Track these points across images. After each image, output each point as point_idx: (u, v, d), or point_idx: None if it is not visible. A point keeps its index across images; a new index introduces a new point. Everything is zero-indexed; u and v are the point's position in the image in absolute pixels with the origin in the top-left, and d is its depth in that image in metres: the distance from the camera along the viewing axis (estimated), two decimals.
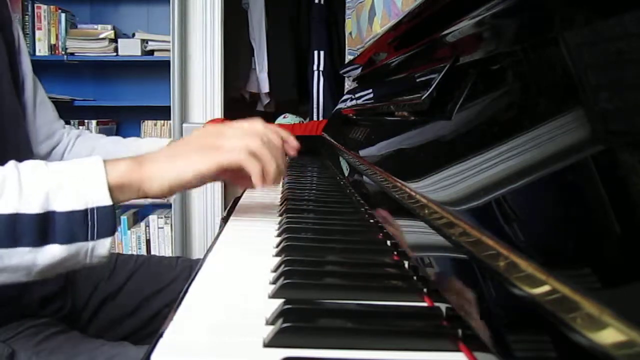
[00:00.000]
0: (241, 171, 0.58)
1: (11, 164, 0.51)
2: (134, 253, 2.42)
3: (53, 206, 0.49)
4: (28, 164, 0.52)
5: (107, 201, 0.51)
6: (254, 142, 0.57)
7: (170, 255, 2.33)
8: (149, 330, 0.84)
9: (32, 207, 0.48)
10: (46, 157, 0.91)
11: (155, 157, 0.56)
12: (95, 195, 0.51)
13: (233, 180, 0.66)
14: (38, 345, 0.65)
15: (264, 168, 0.57)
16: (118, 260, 0.89)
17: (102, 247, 0.51)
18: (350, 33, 1.93)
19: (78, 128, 2.45)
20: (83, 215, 0.50)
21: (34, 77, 0.87)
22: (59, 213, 0.49)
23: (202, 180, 0.56)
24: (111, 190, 0.52)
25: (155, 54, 2.43)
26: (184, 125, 2.13)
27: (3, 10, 0.80)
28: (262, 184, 0.58)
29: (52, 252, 0.49)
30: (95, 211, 0.50)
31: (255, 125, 0.60)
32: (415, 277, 0.44)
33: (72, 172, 0.51)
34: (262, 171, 0.57)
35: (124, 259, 0.90)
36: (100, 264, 0.53)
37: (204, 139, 0.57)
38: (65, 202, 0.49)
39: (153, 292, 0.87)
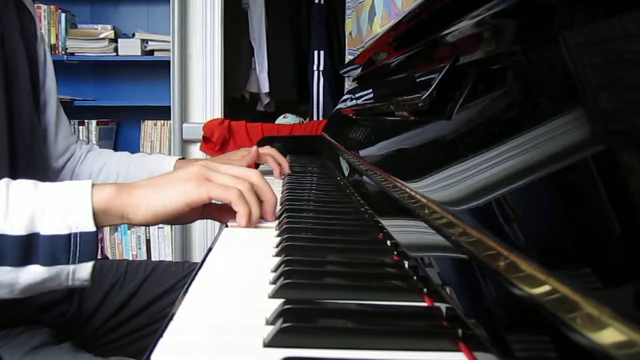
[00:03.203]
0: (224, 209, 0.60)
1: (2, 182, 0.52)
2: (134, 253, 2.43)
3: (37, 228, 0.50)
4: (18, 183, 0.53)
5: (90, 227, 0.52)
6: (244, 185, 0.59)
7: (171, 255, 2.33)
8: (154, 328, 0.85)
9: (17, 228, 0.49)
10: (61, 170, 0.95)
11: (143, 185, 0.56)
12: (79, 221, 0.51)
13: (215, 217, 0.65)
14: (25, 356, 0.66)
15: (250, 211, 0.59)
16: (128, 269, 0.90)
17: (83, 270, 0.52)
18: (350, 33, 1.93)
19: (78, 128, 2.46)
20: (66, 240, 0.51)
21: (57, 95, 0.91)
22: (42, 236, 0.50)
23: (188, 208, 0.56)
24: (95, 215, 0.52)
25: (155, 54, 2.43)
26: (184, 125, 2.13)
27: (29, 25, 0.82)
28: (247, 225, 0.59)
29: (33, 273, 0.50)
30: (78, 236, 0.51)
31: (247, 170, 0.62)
32: (415, 277, 0.44)
33: (60, 195, 0.52)
34: (249, 214, 0.59)
35: (133, 267, 0.91)
36: (84, 286, 0.54)
37: (197, 171, 0.58)
38: (49, 226, 0.50)
39: (160, 295, 0.87)
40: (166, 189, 0.56)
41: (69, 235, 0.51)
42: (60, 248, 0.50)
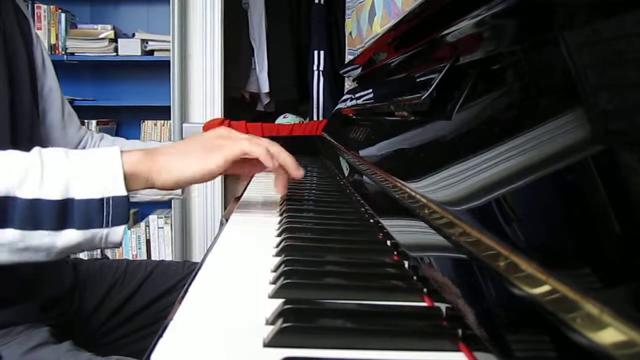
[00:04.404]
0: (246, 161, 0.63)
1: (35, 150, 0.54)
2: (135, 253, 2.43)
3: (72, 194, 0.52)
4: (51, 151, 0.55)
5: (122, 192, 0.54)
6: (255, 137, 0.64)
7: (171, 255, 2.34)
8: (155, 328, 0.85)
9: (53, 193, 0.51)
10: None
11: (166, 151, 0.60)
12: (111, 186, 0.54)
13: (240, 170, 0.70)
14: (25, 355, 0.66)
15: (268, 150, 0.62)
16: (128, 268, 0.90)
17: (115, 234, 0.54)
18: (350, 33, 1.93)
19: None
20: (99, 204, 0.53)
21: (61, 93, 0.93)
22: (77, 200, 0.52)
23: (210, 177, 0.60)
24: (125, 179, 0.55)
25: (155, 54, 2.43)
26: (184, 125, 2.13)
27: (25, 27, 0.83)
28: (273, 164, 0.63)
29: (69, 236, 0.52)
30: (110, 200, 0.54)
31: (261, 139, 0.66)
32: (415, 277, 0.44)
33: (92, 161, 0.55)
34: (268, 152, 0.62)
35: (134, 267, 0.91)
36: (115, 248, 0.56)
37: (213, 138, 0.62)
38: (83, 191, 0.53)
39: (161, 295, 0.88)
40: (186, 158, 0.59)
41: (102, 199, 0.53)
42: (94, 212, 0.53)
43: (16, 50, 0.79)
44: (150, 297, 0.88)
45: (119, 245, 0.55)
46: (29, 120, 0.79)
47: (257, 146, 0.62)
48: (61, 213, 0.51)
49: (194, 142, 0.62)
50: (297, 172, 0.67)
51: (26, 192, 0.50)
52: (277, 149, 0.65)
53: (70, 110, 0.96)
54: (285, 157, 0.65)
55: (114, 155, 0.56)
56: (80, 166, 0.54)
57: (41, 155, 0.54)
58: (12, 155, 0.53)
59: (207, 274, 0.46)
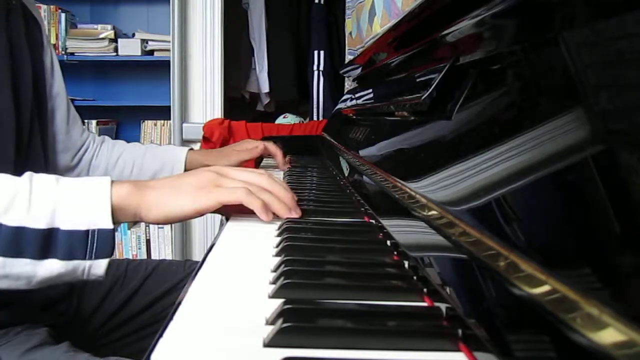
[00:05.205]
0: (239, 209, 0.61)
1: (26, 176, 0.54)
2: (135, 253, 2.43)
3: (57, 223, 0.51)
4: (40, 178, 0.54)
5: (108, 224, 0.53)
6: (252, 186, 0.60)
7: (171, 255, 2.33)
8: (155, 328, 0.85)
9: (38, 222, 0.50)
10: (77, 164, 0.99)
11: (158, 186, 0.58)
12: (98, 218, 0.53)
13: (224, 210, 0.67)
14: (23, 356, 0.66)
15: (263, 202, 0.59)
16: (129, 268, 0.90)
17: (98, 267, 0.53)
18: (350, 33, 1.93)
19: None
20: (84, 235, 0.52)
21: (67, 97, 0.94)
22: (62, 231, 0.51)
23: (198, 214, 0.58)
24: (113, 212, 0.54)
25: (155, 54, 2.43)
26: (184, 125, 2.13)
27: (35, 33, 0.84)
28: (268, 218, 0.60)
29: (51, 266, 0.51)
30: (96, 233, 0.52)
31: (257, 176, 0.63)
32: (415, 277, 0.44)
33: (81, 192, 0.54)
34: (263, 204, 0.59)
35: (134, 266, 0.91)
36: (97, 281, 0.55)
37: (208, 178, 0.60)
38: (69, 221, 0.52)
39: (161, 295, 0.88)
40: (179, 195, 0.57)
41: (87, 231, 0.52)
42: (78, 243, 0.52)
43: (22, 56, 0.79)
44: (150, 297, 0.88)
45: (102, 277, 0.54)
46: (27, 131, 0.79)
47: (254, 199, 0.59)
48: (45, 242, 0.51)
49: (187, 178, 0.60)
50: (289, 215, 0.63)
51: (11, 219, 0.50)
52: (272, 198, 0.61)
53: (75, 114, 0.97)
54: (278, 208, 0.61)
55: (104, 187, 0.54)
56: (68, 196, 0.53)
57: (31, 182, 0.53)
58: (2, 180, 0.52)
59: (207, 274, 0.46)
